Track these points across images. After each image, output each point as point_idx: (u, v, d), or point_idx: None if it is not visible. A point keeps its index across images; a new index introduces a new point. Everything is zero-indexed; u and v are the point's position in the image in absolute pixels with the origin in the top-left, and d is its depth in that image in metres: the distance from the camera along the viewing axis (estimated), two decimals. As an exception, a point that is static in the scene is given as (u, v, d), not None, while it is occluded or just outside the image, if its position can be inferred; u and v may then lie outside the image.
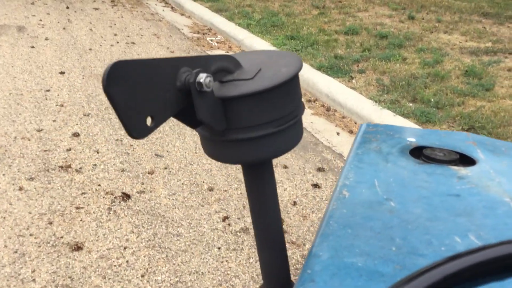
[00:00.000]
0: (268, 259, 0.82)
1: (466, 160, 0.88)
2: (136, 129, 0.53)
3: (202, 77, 0.58)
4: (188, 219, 2.63)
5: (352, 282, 0.57)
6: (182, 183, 2.95)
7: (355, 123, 4.00)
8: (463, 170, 0.83)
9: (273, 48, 5.56)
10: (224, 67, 0.68)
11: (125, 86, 0.51)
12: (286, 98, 0.68)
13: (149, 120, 0.55)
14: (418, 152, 0.90)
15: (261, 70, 0.69)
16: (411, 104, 4.12)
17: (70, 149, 3.20)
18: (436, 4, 8.03)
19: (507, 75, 4.76)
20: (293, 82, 0.69)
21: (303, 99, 4.44)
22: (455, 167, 0.84)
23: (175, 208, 2.72)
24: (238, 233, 2.55)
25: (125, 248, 2.37)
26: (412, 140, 0.95)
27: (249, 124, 0.66)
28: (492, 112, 3.90)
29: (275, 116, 0.67)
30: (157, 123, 0.56)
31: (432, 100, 4.12)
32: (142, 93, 0.53)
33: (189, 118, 0.63)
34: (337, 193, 0.77)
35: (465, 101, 4.13)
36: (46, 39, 5.46)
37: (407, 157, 0.87)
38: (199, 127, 0.69)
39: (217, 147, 0.69)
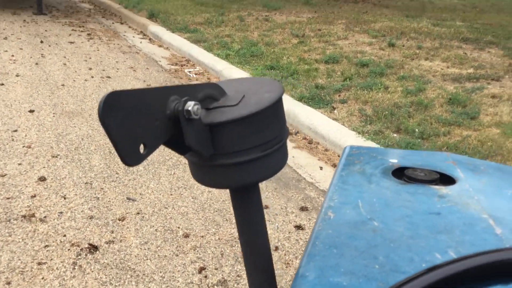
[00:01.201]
0: (257, 283, 0.83)
1: (447, 180, 0.91)
2: (131, 156, 0.55)
3: (190, 105, 0.61)
4: (160, 272, 2.41)
5: None
6: (156, 230, 2.74)
7: (339, 156, 3.84)
8: (443, 189, 0.86)
9: (253, 79, 5.42)
10: (210, 94, 0.70)
11: (120, 115, 0.53)
12: (270, 122, 0.71)
13: (141, 148, 0.57)
14: (400, 173, 0.92)
15: (245, 97, 0.72)
16: (395, 135, 3.99)
17: (35, 196, 2.98)
18: (415, 30, 8.04)
19: (491, 102, 4.68)
20: (276, 107, 0.72)
21: (284, 132, 4.29)
22: (436, 187, 0.87)
23: (147, 259, 2.50)
24: (215, 286, 2.34)
25: (90, 309, 2.15)
26: (394, 161, 0.98)
27: (235, 149, 0.68)
28: (479, 142, 3.78)
29: (260, 140, 0.70)
30: (149, 151, 0.58)
31: (417, 130, 4.00)
32: (135, 122, 0.56)
33: (178, 145, 0.65)
34: (322, 214, 0.79)
35: (451, 131, 4.01)
36: (17, 75, 5.26)
37: (390, 177, 0.90)
38: (188, 153, 0.70)
39: (205, 172, 0.72)
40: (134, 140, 0.56)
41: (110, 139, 0.53)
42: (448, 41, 7.32)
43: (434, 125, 4.12)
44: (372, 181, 0.89)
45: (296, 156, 3.85)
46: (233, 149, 0.68)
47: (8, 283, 2.26)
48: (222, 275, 2.42)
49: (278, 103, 0.72)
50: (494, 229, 0.73)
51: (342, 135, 3.98)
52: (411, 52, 6.61)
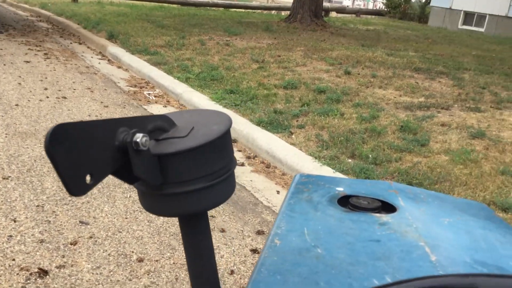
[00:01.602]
0: None
1: (388, 208, 0.94)
2: (76, 186, 0.55)
3: (139, 137, 0.62)
4: (113, 297, 2.37)
5: None
6: (109, 254, 2.70)
7: (295, 180, 3.89)
8: (384, 217, 0.89)
9: (212, 103, 5.46)
10: (160, 126, 0.72)
11: (66, 147, 0.53)
12: (218, 153, 0.73)
13: (88, 178, 0.57)
14: (346, 201, 0.95)
15: (194, 128, 0.74)
16: (350, 160, 4.09)
17: (-18, 218, 2.87)
18: (370, 59, 8.32)
19: (441, 129, 4.88)
20: (224, 138, 0.74)
21: (242, 155, 4.32)
22: (377, 214, 0.90)
23: (99, 284, 2.45)
24: (169, 311, 2.32)
25: (37, 336, 2.08)
26: (340, 189, 1.01)
27: (184, 179, 0.70)
28: (429, 168, 3.93)
29: (208, 170, 0.72)
30: (96, 181, 0.58)
31: (370, 156, 4.12)
32: (82, 153, 0.56)
33: (127, 175, 0.65)
34: (269, 241, 0.80)
35: (402, 157, 4.16)
36: (-32, 93, 5.10)
37: (335, 205, 0.93)
38: (136, 183, 0.71)
39: (154, 201, 0.73)
40: (81, 170, 0.56)
41: (55, 170, 0.53)
42: (401, 70, 7.62)
43: (387, 151, 4.26)
44: (318, 209, 0.92)
45: (254, 180, 3.88)
46: (182, 179, 0.70)
47: (-50, 310, 2.16)
48: (176, 299, 2.40)
49: (226, 135, 0.75)
50: (429, 256, 0.77)
51: (300, 160, 4.05)
52: (366, 80, 6.83)
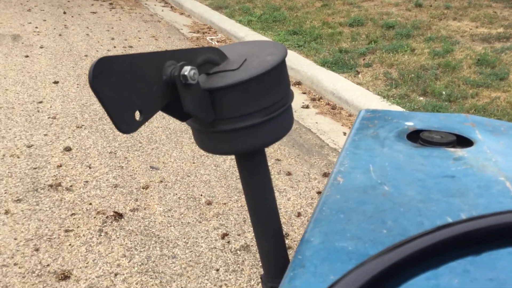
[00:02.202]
0: (267, 248, 0.82)
1: (464, 142, 0.88)
2: (125, 123, 0.54)
3: (187, 70, 0.59)
4: (184, 238, 2.45)
5: (342, 266, 0.58)
6: (179, 198, 2.77)
7: (363, 121, 3.77)
8: (459, 152, 0.83)
9: (275, 45, 5.34)
10: (210, 59, 0.68)
11: (112, 82, 0.52)
12: (273, 86, 0.69)
13: (137, 115, 0.55)
14: (416, 136, 0.90)
15: (247, 60, 0.70)
16: (421, 98, 3.89)
17: (61, 166, 3.04)
18: (444, -11, 7.72)
19: (523, 62, 4.49)
20: (278, 70, 0.69)
21: (307, 98, 4.23)
22: (452, 149, 0.84)
23: (171, 226, 2.54)
24: (238, 251, 2.37)
25: (116, 274, 2.20)
26: (409, 124, 0.95)
27: (237, 114, 0.67)
28: (508, 104, 3.65)
29: (263, 105, 0.68)
30: (145, 117, 0.57)
31: (444, 93, 3.89)
32: (129, 88, 0.54)
33: (177, 111, 0.63)
34: (331, 179, 0.77)
35: (479, 93, 3.89)
36: (41, 47, 5.30)
37: (404, 141, 0.88)
38: (189, 120, 0.69)
39: (208, 139, 0.70)
40: (129, 106, 0.54)
41: (102, 106, 0.51)
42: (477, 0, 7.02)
43: (462, 87, 4.00)
44: (385, 145, 0.87)
45: (319, 122, 3.80)
46: (235, 114, 0.67)
47: (37, 250, 2.33)
48: (244, 240, 2.44)
49: (281, 66, 0.70)
50: (511, 191, 0.70)
51: (367, 100, 3.90)
52: (439, 12, 6.37)
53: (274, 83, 0.69)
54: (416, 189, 0.72)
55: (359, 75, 4.42)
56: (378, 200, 0.70)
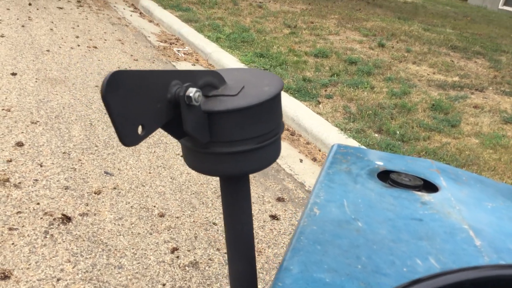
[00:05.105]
0: (239, 271, 0.84)
1: (429, 187, 0.92)
2: (128, 136, 0.55)
3: (192, 91, 0.61)
4: (133, 248, 2.41)
5: None
6: (131, 207, 2.73)
7: (319, 150, 3.87)
8: (426, 196, 0.87)
9: (241, 65, 5.40)
10: (210, 82, 0.70)
11: (122, 95, 0.53)
12: (268, 116, 0.71)
13: (140, 129, 0.57)
14: (385, 176, 0.94)
15: (244, 88, 0.72)
16: (376, 135, 4.03)
17: (11, 160, 2.93)
18: (406, 33, 8.09)
19: (473, 112, 4.75)
20: (275, 101, 0.72)
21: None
22: (419, 193, 0.88)
23: (120, 235, 2.49)
24: (186, 267, 2.35)
25: (58, 279, 2.13)
26: (380, 163, 0.99)
27: (231, 139, 0.69)
28: (457, 150, 3.85)
29: (257, 132, 0.70)
30: (147, 132, 0.58)
31: (398, 132, 4.05)
32: (136, 103, 0.56)
33: (176, 129, 0.65)
34: (308, 210, 0.80)
35: (431, 136, 4.07)
36: (2, 36, 5.13)
37: (375, 180, 0.92)
38: (183, 138, 0.71)
39: (198, 158, 0.72)
40: (133, 120, 0.56)
41: (110, 118, 0.53)
42: (437, 47, 7.39)
43: (415, 129, 4.18)
44: (357, 182, 0.90)
45: (278, 146, 3.85)
46: (229, 138, 0.69)
47: (-23, 246, 2.23)
48: (194, 257, 2.43)
49: (277, 97, 0.72)
50: (473, 240, 0.75)
51: (325, 130, 4.00)
52: (400, 54, 6.65)
53: (269, 113, 0.71)
54: (387, 228, 0.75)
55: (320, 105, 4.53)
56: (352, 235, 0.73)
